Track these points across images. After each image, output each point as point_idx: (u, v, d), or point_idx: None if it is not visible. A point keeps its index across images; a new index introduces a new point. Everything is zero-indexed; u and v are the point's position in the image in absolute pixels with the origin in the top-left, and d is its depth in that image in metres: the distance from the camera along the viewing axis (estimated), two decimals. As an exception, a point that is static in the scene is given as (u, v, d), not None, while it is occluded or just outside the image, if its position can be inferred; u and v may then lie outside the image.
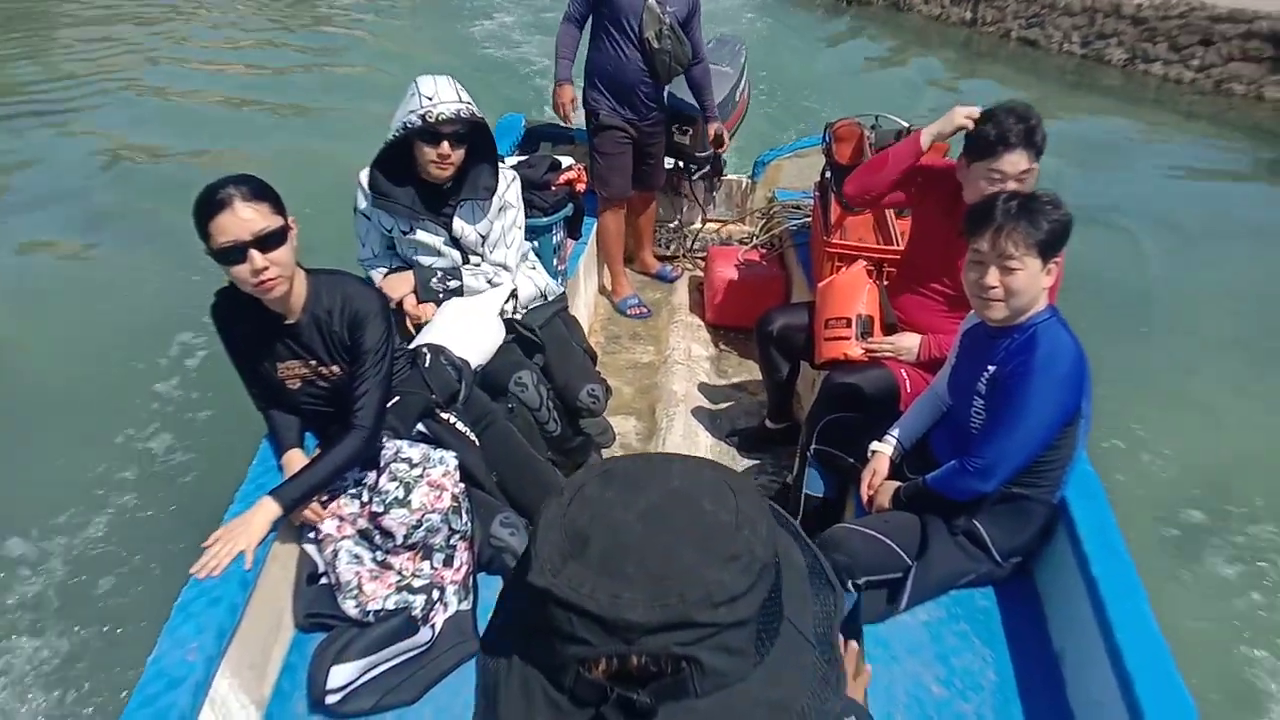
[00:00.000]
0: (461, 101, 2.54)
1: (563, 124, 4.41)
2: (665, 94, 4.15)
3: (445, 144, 2.54)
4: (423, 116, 2.49)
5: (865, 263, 3.04)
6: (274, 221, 1.93)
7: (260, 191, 1.93)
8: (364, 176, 2.69)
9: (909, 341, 2.72)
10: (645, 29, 3.78)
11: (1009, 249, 1.94)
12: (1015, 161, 2.33)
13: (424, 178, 2.65)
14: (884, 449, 2.40)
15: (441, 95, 2.52)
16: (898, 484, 2.31)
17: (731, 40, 5.06)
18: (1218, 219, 6.33)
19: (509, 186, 2.80)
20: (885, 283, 2.95)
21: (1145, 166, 7.49)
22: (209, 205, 1.88)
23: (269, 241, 1.91)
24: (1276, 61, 9.23)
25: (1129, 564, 2.01)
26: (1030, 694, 2.01)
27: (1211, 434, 4.17)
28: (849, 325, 2.80)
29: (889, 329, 2.80)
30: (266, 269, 1.92)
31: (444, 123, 2.50)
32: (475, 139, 2.64)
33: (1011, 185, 2.31)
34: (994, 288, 1.98)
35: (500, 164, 2.79)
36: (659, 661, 0.63)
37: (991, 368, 2.06)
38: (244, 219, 1.88)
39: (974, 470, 2.03)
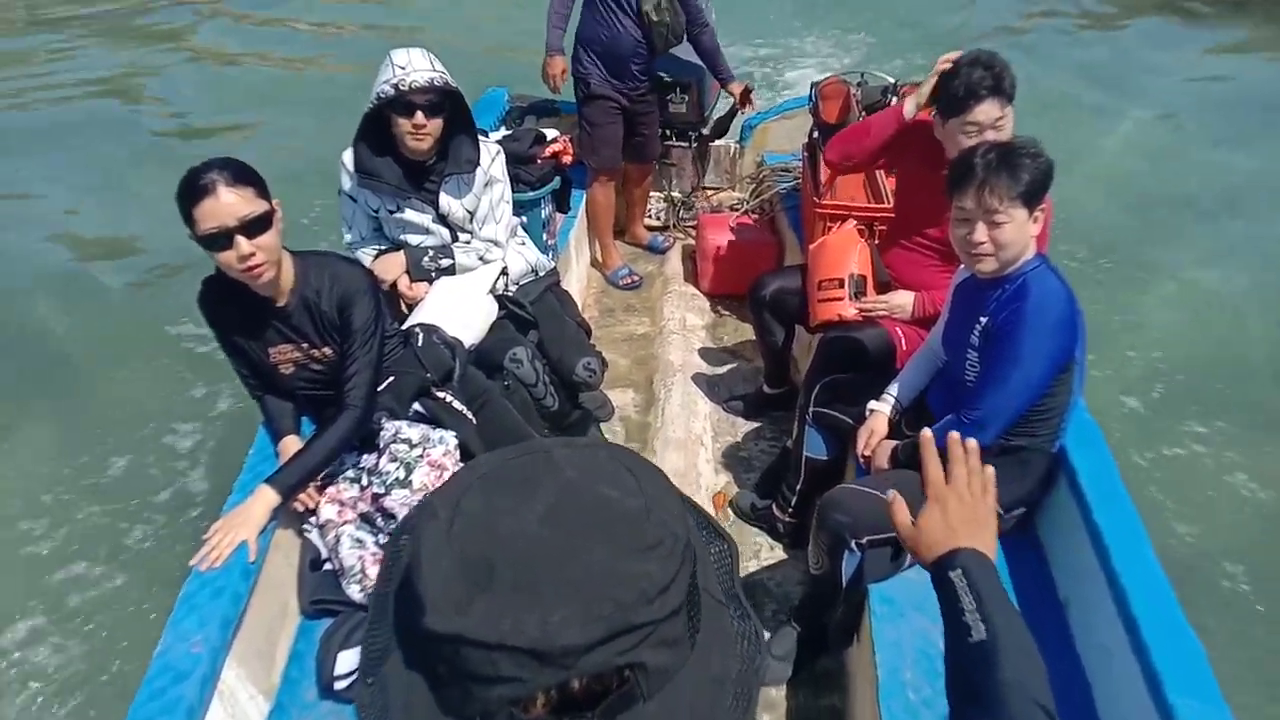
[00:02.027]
0: (435, 70, 2.51)
1: (550, 96, 4.35)
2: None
3: (420, 114, 2.51)
4: (395, 86, 2.47)
5: (856, 222, 3.01)
6: (259, 206, 1.90)
7: (244, 175, 1.90)
8: (347, 156, 2.66)
9: (903, 299, 2.70)
10: (644, 2, 3.72)
11: (993, 203, 1.92)
12: (988, 111, 2.31)
13: (404, 153, 2.63)
14: (881, 408, 2.40)
15: (415, 65, 2.50)
16: (895, 443, 2.30)
17: None
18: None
19: (494, 160, 2.77)
20: (876, 241, 2.93)
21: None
22: (192, 191, 1.85)
23: (254, 227, 1.89)
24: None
25: (1131, 510, 2.01)
26: (1038, 643, 2.02)
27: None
28: (842, 286, 2.78)
29: (882, 287, 2.79)
30: (253, 255, 1.90)
31: (417, 91, 2.48)
32: (452, 112, 2.61)
33: (989, 135, 2.29)
34: (982, 243, 1.96)
35: (482, 138, 2.76)
36: (602, 678, 0.56)
37: (984, 319, 2.05)
38: (228, 205, 1.85)
39: (970, 422, 2.02)
